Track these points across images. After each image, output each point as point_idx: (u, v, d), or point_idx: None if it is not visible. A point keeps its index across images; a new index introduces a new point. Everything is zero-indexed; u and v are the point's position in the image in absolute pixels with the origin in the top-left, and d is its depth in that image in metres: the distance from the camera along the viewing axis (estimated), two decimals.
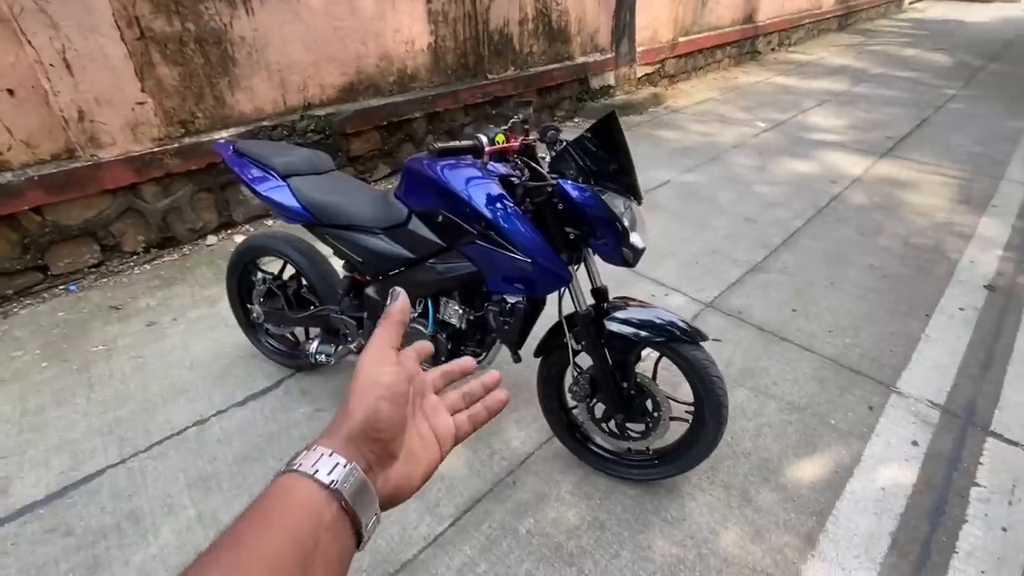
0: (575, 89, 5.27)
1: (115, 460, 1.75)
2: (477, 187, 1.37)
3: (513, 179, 1.36)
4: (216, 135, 2.96)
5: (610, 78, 5.56)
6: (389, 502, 0.38)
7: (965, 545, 1.48)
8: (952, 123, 4.96)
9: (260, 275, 2.00)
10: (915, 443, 1.78)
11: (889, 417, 1.88)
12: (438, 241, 1.49)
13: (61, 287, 2.68)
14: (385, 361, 0.40)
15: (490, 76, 4.34)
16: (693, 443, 1.51)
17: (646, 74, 6.05)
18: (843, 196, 3.56)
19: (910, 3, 14.48)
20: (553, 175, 1.28)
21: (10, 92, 2.37)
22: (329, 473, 0.33)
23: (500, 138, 1.22)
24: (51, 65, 2.35)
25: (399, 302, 0.43)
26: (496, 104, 4.49)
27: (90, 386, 2.06)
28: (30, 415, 1.93)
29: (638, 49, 5.59)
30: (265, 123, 3.16)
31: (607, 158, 1.28)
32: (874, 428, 1.84)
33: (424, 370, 0.46)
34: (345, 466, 0.34)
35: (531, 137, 1.30)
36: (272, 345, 2.09)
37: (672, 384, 1.75)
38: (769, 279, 2.68)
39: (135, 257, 2.89)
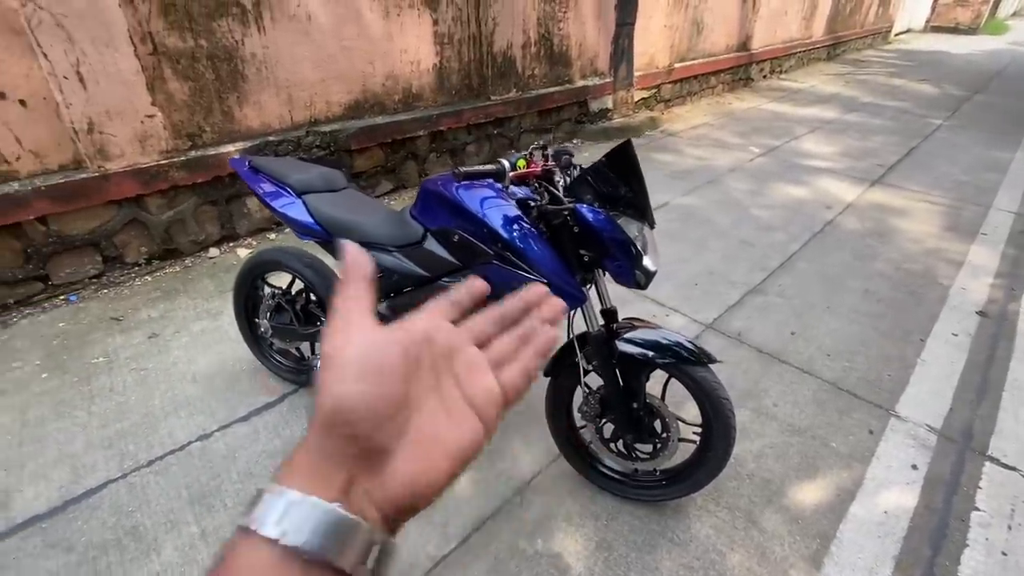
0: (574, 111, 5.38)
1: (116, 474, 1.73)
2: (495, 208, 1.40)
3: (530, 202, 1.40)
4: (223, 149, 2.98)
5: (608, 101, 5.68)
6: (405, 511, 0.30)
7: (967, 569, 1.50)
8: (939, 152, 5.12)
9: (268, 289, 2.00)
10: (915, 467, 1.81)
11: (889, 441, 1.92)
12: (453, 260, 1.51)
13: (61, 297, 2.66)
14: (356, 328, 0.30)
15: (493, 97, 4.42)
16: (701, 464, 1.52)
17: (643, 98, 6.19)
18: (837, 221, 3.65)
19: (896, 35, 14.98)
20: (570, 199, 1.32)
21: (22, 103, 2.38)
22: (279, 522, 0.26)
23: (521, 163, 1.26)
24: (65, 78, 2.37)
25: (354, 253, 0.34)
26: (498, 124, 4.56)
27: (91, 398, 2.04)
28: (30, 427, 1.91)
29: (636, 74, 5.72)
30: (271, 138, 3.19)
31: (622, 184, 1.32)
32: (874, 451, 1.87)
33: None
34: (302, 504, 0.26)
35: (551, 163, 1.33)
36: (277, 360, 2.09)
37: (679, 406, 1.77)
38: (768, 301, 2.73)
39: (136, 268, 2.88)
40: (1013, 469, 1.80)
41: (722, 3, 6.96)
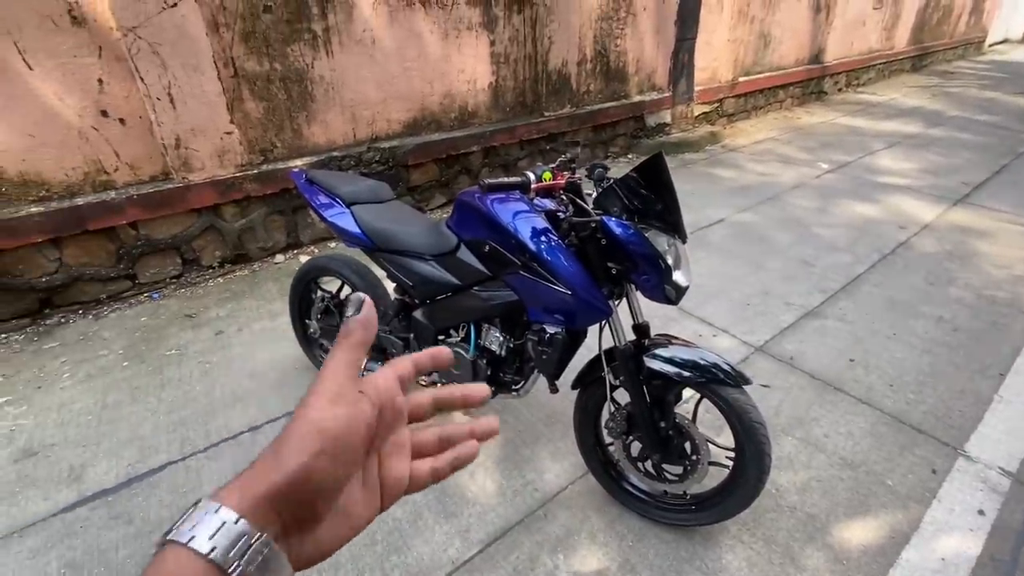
0: (630, 126, 5.34)
1: (176, 457, 1.89)
2: (523, 220, 1.43)
3: (559, 214, 1.42)
4: (291, 163, 3.22)
5: (667, 116, 5.60)
6: (305, 566, 0.31)
7: None
8: None
9: (320, 293, 2.13)
10: (981, 512, 1.63)
11: (954, 482, 1.74)
12: (483, 270, 1.55)
13: (145, 295, 2.96)
14: (339, 397, 0.31)
15: (546, 113, 4.48)
16: (733, 491, 1.46)
17: (703, 113, 6.05)
18: (911, 243, 3.39)
19: (990, 45, 13.77)
20: (598, 211, 1.33)
21: (121, 121, 2.69)
22: (211, 537, 0.27)
23: (547, 176, 1.28)
24: (158, 99, 2.67)
25: (363, 313, 0.34)
26: (551, 140, 4.62)
27: (162, 386, 2.25)
28: (109, 409, 2.13)
29: (696, 88, 5.61)
30: (335, 153, 3.41)
31: (653, 196, 1.31)
32: (936, 493, 1.71)
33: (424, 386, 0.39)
34: (237, 527, 0.27)
35: (576, 175, 1.35)
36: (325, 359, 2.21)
37: (715, 429, 1.70)
38: (826, 325, 2.57)
39: (210, 271, 3.15)
40: None
41: (791, 15, 6.71)
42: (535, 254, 1.39)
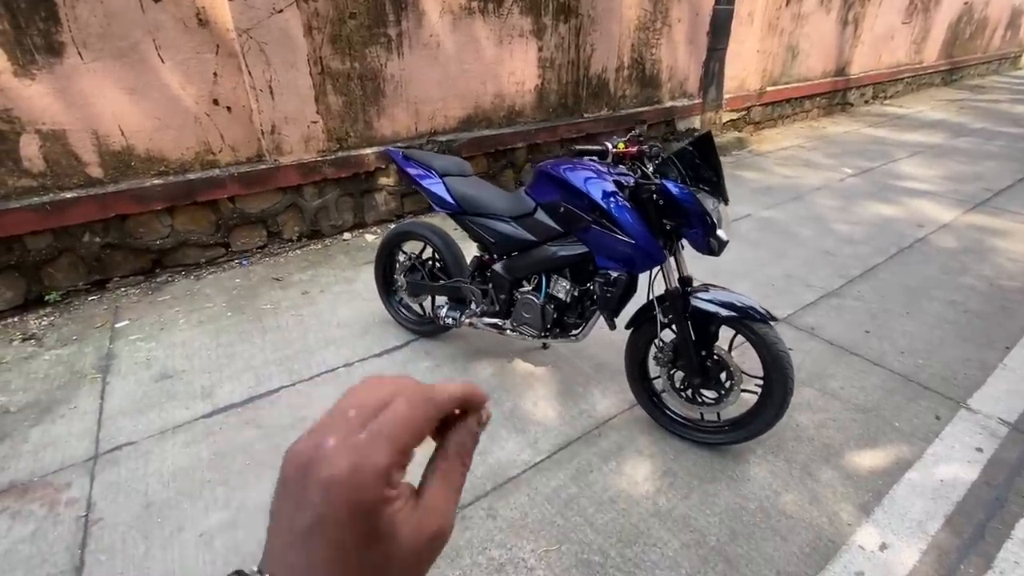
0: (661, 131, 5.67)
1: (287, 383, 2.27)
2: (595, 184, 1.77)
3: (622, 181, 1.76)
4: (363, 151, 3.62)
5: (696, 121, 5.90)
6: None
7: (1020, 533, 1.60)
8: None
9: (403, 256, 2.50)
10: (979, 450, 1.91)
11: (956, 427, 2.01)
12: (557, 227, 1.90)
13: (236, 261, 3.37)
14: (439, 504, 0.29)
15: (585, 115, 4.84)
16: (760, 412, 1.77)
17: (731, 120, 6.34)
18: (929, 239, 3.63)
19: None
20: (657, 176, 1.66)
21: (228, 109, 3.13)
22: None
23: (621, 145, 1.63)
24: (260, 90, 3.09)
25: (478, 427, 0.33)
26: (588, 140, 4.97)
27: (263, 332, 2.64)
28: (223, 347, 2.52)
29: (725, 96, 5.91)
30: (399, 144, 3.81)
31: (702, 165, 1.64)
32: (939, 434, 1.98)
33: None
34: None
35: (645, 145, 1.69)
36: (404, 313, 2.58)
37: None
38: (844, 304, 2.85)
39: (290, 243, 3.56)
40: None
41: (820, 29, 6.97)
42: (605, 211, 1.73)
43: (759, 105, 6.58)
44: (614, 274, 1.81)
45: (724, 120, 6.12)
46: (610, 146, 1.60)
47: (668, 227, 1.71)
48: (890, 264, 3.29)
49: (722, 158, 5.57)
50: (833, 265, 3.27)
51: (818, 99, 7.50)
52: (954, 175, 4.97)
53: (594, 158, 1.66)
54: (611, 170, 1.77)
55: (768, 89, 6.54)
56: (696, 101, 5.81)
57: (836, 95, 7.80)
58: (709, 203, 1.64)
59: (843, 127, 7.06)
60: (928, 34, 9.22)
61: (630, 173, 1.73)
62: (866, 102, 8.50)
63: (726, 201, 1.70)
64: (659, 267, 1.76)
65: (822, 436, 1.97)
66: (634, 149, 1.65)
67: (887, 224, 3.88)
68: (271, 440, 1.96)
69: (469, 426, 0.32)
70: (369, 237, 3.75)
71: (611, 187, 1.77)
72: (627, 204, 1.73)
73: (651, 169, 1.68)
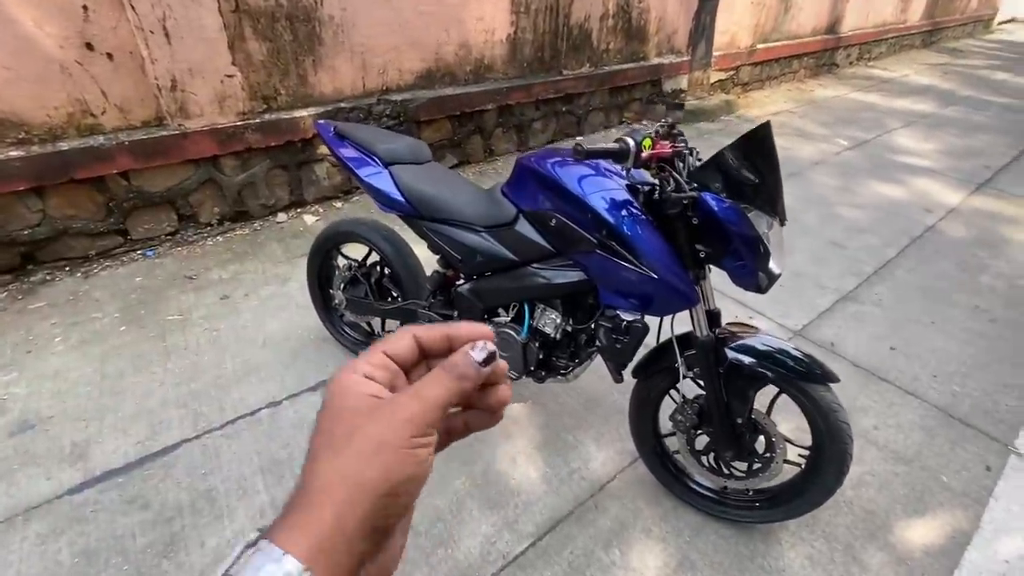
0: (647, 91, 5.10)
1: (190, 434, 1.74)
2: (600, 191, 1.27)
3: (640, 187, 1.26)
4: (296, 113, 2.94)
5: (683, 81, 5.36)
6: None
7: None
8: None
9: (343, 261, 1.95)
10: None
11: (1009, 480, 1.70)
12: (547, 246, 1.40)
13: (139, 252, 2.72)
14: (420, 446, 0.29)
15: (565, 72, 4.22)
16: (804, 490, 1.38)
17: (719, 80, 5.81)
18: (939, 227, 3.31)
19: (999, 24, 13.61)
20: (692, 186, 1.17)
21: (109, 56, 2.39)
22: None
23: (647, 143, 1.11)
24: (151, 32, 2.36)
25: (489, 366, 0.32)
26: (567, 101, 4.37)
27: (166, 355, 2.07)
28: (110, 379, 1.94)
29: (715, 54, 5.36)
30: (343, 104, 3.14)
31: (754, 172, 1.16)
32: (992, 491, 1.67)
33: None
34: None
35: (683, 144, 1.18)
36: (347, 332, 2.05)
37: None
38: (863, 311, 2.50)
39: (208, 228, 2.91)
40: None
41: None
42: (615, 230, 1.23)
43: (748, 65, 6.06)
44: (627, 318, 1.34)
45: (712, 81, 5.59)
46: (632, 143, 1.08)
47: (702, 254, 1.23)
48: (904, 259, 2.95)
49: (710, 124, 5.06)
50: (844, 260, 2.91)
51: (806, 59, 7.04)
52: (951, 150, 4.66)
53: (609, 160, 1.15)
54: (623, 170, 1.26)
55: (759, 47, 6.01)
56: (684, 59, 5.25)
57: (824, 55, 7.35)
58: (763, 224, 1.17)
59: (831, 91, 6.65)
60: None
61: (652, 181, 1.22)
62: (851, 63, 8.11)
63: (783, 220, 1.23)
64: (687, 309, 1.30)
65: (862, 499, 1.62)
66: (667, 149, 1.13)
67: (894, 208, 3.54)
68: (162, 530, 1.46)
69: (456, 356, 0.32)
70: (308, 219, 3.13)
71: (623, 194, 1.27)
72: (646, 221, 1.24)
73: (684, 175, 1.18)
